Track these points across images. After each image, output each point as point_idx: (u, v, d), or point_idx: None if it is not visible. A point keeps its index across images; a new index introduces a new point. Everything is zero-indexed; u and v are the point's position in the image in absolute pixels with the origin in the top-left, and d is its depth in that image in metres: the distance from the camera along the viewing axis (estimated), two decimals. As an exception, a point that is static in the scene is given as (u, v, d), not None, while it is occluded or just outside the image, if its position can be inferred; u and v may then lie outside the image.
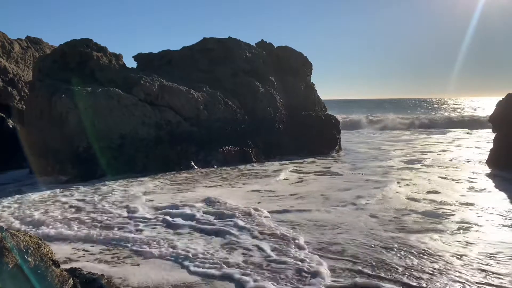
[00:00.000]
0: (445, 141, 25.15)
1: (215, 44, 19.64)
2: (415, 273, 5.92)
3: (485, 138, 25.42)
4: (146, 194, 11.40)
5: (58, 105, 14.20)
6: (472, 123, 36.22)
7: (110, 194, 11.38)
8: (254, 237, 7.62)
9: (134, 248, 7.18)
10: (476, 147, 21.40)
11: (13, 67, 19.33)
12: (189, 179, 13.54)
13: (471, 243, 7.12)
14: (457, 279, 5.73)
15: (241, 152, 16.94)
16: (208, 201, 10.34)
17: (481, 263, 6.25)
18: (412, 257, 6.51)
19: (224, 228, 8.11)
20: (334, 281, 5.74)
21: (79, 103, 14.14)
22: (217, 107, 17.30)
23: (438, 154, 18.99)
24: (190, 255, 6.70)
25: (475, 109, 71.87)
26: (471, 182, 12.46)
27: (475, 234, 7.64)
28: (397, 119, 40.15)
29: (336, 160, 17.86)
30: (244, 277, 5.82)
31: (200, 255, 6.70)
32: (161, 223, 8.60)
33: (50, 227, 8.36)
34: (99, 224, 8.59)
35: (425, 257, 6.53)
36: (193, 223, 8.55)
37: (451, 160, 16.94)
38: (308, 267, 6.16)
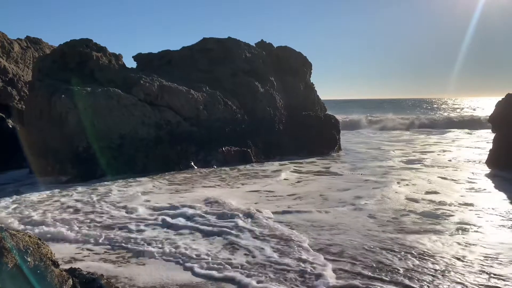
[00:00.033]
0: (444, 141, 25.16)
1: (215, 44, 19.65)
2: (414, 275, 5.92)
3: (485, 138, 25.45)
4: (146, 194, 11.41)
5: (57, 105, 14.20)
6: (472, 123, 36.23)
7: (110, 194, 11.39)
8: (256, 237, 7.62)
9: (137, 248, 7.18)
10: (476, 147, 21.42)
11: (13, 67, 19.33)
12: (189, 179, 13.54)
13: (471, 244, 7.10)
14: (459, 281, 5.68)
15: (241, 152, 16.94)
16: (208, 201, 10.35)
17: (483, 265, 6.20)
18: (411, 259, 6.50)
19: (225, 228, 8.10)
20: (337, 283, 5.72)
21: (78, 103, 14.15)
22: (217, 107, 17.31)
23: (438, 154, 19.01)
24: (194, 256, 6.71)
25: (474, 109, 71.90)
26: (470, 182, 12.46)
27: (475, 235, 7.62)
28: (397, 119, 40.17)
29: (335, 160, 17.87)
30: (248, 279, 5.82)
31: (203, 256, 6.70)
32: (162, 224, 8.60)
33: (51, 227, 8.36)
34: (99, 224, 8.60)
35: (425, 258, 6.52)
36: (194, 223, 8.55)
37: (450, 160, 16.94)
38: (312, 268, 6.16)
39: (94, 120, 14.26)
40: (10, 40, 20.19)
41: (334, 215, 9.06)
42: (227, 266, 6.27)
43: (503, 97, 15.08)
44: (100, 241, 7.59)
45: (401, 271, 6.03)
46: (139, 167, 14.59)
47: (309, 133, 19.24)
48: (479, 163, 15.84)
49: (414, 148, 21.84)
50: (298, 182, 13.09)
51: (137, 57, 19.73)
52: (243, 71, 19.22)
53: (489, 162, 14.83)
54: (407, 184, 12.25)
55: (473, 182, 12.41)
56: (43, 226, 8.39)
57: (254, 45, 21.12)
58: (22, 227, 8.37)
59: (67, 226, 8.37)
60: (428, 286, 5.55)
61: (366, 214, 9.12)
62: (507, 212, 9.03)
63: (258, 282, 5.73)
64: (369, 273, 5.97)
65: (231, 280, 5.85)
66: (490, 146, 15.50)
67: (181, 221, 8.72)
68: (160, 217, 8.96)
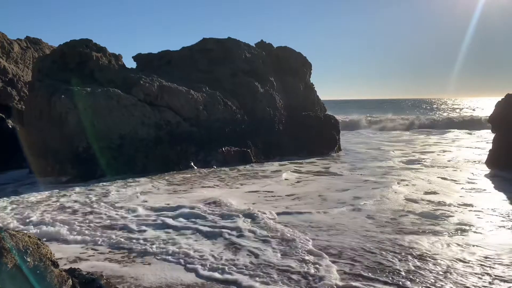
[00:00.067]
0: (444, 142, 25.16)
1: (215, 44, 19.65)
2: (414, 276, 5.92)
3: (485, 139, 25.45)
4: (146, 194, 11.41)
5: (57, 105, 14.21)
6: (471, 124, 36.22)
7: (110, 194, 11.39)
8: (257, 238, 7.62)
9: (140, 248, 7.19)
10: (475, 148, 21.42)
11: (13, 67, 19.33)
12: (189, 180, 13.54)
13: (470, 245, 7.08)
14: (461, 283, 5.66)
15: (241, 153, 16.95)
16: (207, 202, 10.36)
17: (484, 266, 6.18)
18: (411, 260, 6.50)
19: (226, 229, 8.11)
20: (339, 284, 5.71)
21: (78, 103, 14.15)
22: (217, 107, 17.31)
23: (438, 155, 19.01)
24: (197, 257, 6.73)
25: (474, 110, 71.94)
26: (470, 182, 12.46)
27: (475, 235, 7.61)
28: (397, 119, 40.18)
29: (335, 160, 17.87)
30: (252, 280, 5.82)
31: (206, 257, 6.72)
32: (162, 224, 8.60)
33: (50, 227, 8.36)
34: (99, 224, 8.60)
35: (423, 259, 6.52)
36: (194, 224, 8.55)
37: (449, 161, 16.93)
38: (315, 269, 6.15)
39: (94, 120, 14.26)
40: (10, 41, 20.19)
41: (332, 216, 9.05)
42: (231, 267, 6.29)
43: (503, 97, 15.09)
44: (102, 241, 7.60)
45: (400, 272, 6.02)
46: (139, 167, 14.59)
47: (309, 133, 19.24)
48: (479, 163, 15.84)
49: (414, 148, 21.84)
50: (298, 182, 13.09)
51: (137, 57, 19.74)
52: (243, 72, 19.22)
53: (489, 162, 14.84)
54: (406, 185, 12.25)
55: (473, 183, 12.41)
56: (43, 226, 8.39)
57: (254, 45, 21.13)
58: (21, 227, 8.37)
59: (67, 226, 8.38)
60: None
61: (364, 214, 9.12)
62: (507, 213, 9.02)
63: (262, 283, 5.74)
64: (369, 274, 5.97)
65: (235, 281, 5.85)
66: (490, 146, 15.51)
67: (181, 221, 8.73)
68: (160, 218, 8.97)
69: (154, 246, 7.27)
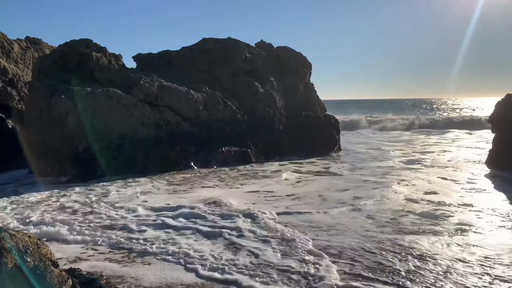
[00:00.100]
0: (444, 142, 25.17)
1: (215, 44, 19.65)
2: (414, 277, 5.92)
3: (485, 139, 25.45)
4: (146, 194, 11.41)
5: (57, 105, 14.20)
6: (471, 124, 36.23)
7: (109, 194, 11.39)
8: (257, 238, 7.62)
9: (140, 248, 7.19)
10: (475, 148, 21.42)
11: (13, 67, 19.33)
12: (188, 180, 13.54)
13: (470, 245, 7.07)
14: (461, 283, 5.65)
15: (241, 153, 16.95)
16: (207, 202, 10.36)
17: (484, 266, 6.17)
18: (411, 260, 6.50)
19: (226, 229, 8.11)
20: (339, 284, 5.71)
21: (78, 103, 14.15)
22: (217, 107, 17.31)
23: (438, 155, 19.01)
24: (197, 257, 6.73)
25: (474, 110, 71.95)
26: (470, 182, 12.46)
27: (475, 235, 7.60)
28: (397, 119, 40.18)
29: (335, 160, 17.87)
30: (252, 280, 5.82)
31: (206, 257, 6.72)
32: (162, 224, 8.60)
33: (50, 227, 8.36)
34: (99, 225, 8.60)
35: (423, 259, 6.52)
36: (194, 224, 8.55)
37: (449, 161, 16.92)
38: (315, 269, 6.16)
39: (94, 120, 14.26)
40: (10, 41, 20.19)
41: (332, 216, 9.05)
42: (232, 267, 6.29)
43: (503, 97, 15.09)
44: (102, 241, 7.60)
45: (400, 272, 6.02)
46: (139, 167, 14.59)
47: (309, 133, 19.25)
48: (479, 163, 15.84)
49: (414, 148, 21.84)
50: (298, 182, 13.08)
51: (137, 57, 19.74)
52: (243, 72, 19.22)
53: (489, 162, 14.84)
54: (406, 185, 12.25)
55: (473, 183, 12.41)
56: (43, 226, 8.39)
57: (254, 46, 21.13)
58: (21, 227, 8.37)
59: (67, 226, 8.37)
60: None
61: (364, 214, 9.11)
62: (507, 213, 9.02)
63: (262, 283, 5.74)
64: (369, 274, 5.97)
65: (235, 281, 5.85)
66: (490, 146, 15.51)
67: (181, 221, 8.73)
68: (160, 218, 8.97)
69: (154, 246, 7.27)
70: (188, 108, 16.50)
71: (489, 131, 17.97)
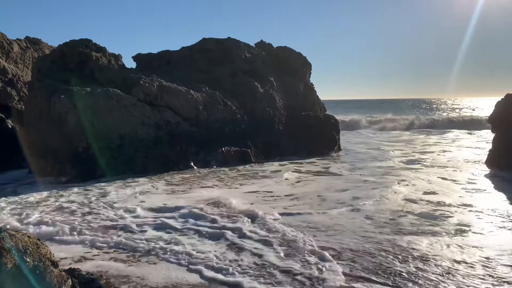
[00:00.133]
0: (444, 142, 25.16)
1: (214, 44, 19.65)
2: (414, 278, 5.91)
3: (485, 139, 25.45)
4: (146, 194, 11.40)
5: (57, 105, 14.20)
6: (471, 124, 36.23)
7: (109, 194, 11.38)
8: (259, 239, 7.60)
9: (142, 248, 7.19)
10: (475, 148, 21.42)
11: (12, 67, 19.32)
12: (188, 180, 13.53)
13: (470, 246, 7.05)
14: (462, 285, 5.63)
15: (241, 153, 16.94)
16: (207, 202, 10.35)
17: (485, 267, 6.13)
18: (410, 261, 6.48)
19: (227, 230, 8.09)
20: (343, 285, 5.69)
21: (78, 103, 14.14)
22: (217, 107, 17.31)
23: (438, 155, 19.00)
24: (201, 257, 6.72)
25: (473, 110, 71.97)
26: (470, 182, 12.45)
27: (474, 236, 7.58)
28: (397, 119, 40.18)
29: (335, 160, 17.87)
30: (256, 281, 5.81)
31: (210, 257, 6.70)
32: (163, 224, 8.59)
33: (50, 227, 8.35)
34: (99, 225, 8.59)
35: (423, 260, 6.50)
36: (194, 224, 8.53)
37: (449, 161, 16.92)
38: (318, 270, 6.14)
39: (94, 120, 14.25)
40: (10, 41, 20.17)
41: (331, 216, 9.04)
42: (236, 267, 6.28)
43: (503, 97, 15.08)
44: (103, 241, 7.59)
45: (401, 273, 6.01)
46: (139, 167, 14.59)
47: (309, 133, 19.24)
48: (479, 163, 15.84)
49: (414, 148, 21.84)
50: (298, 182, 13.08)
51: (137, 58, 19.73)
52: (242, 72, 19.22)
53: (489, 162, 14.83)
54: (406, 185, 12.24)
55: (473, 183, 12.40)
56: (42, 226, 8.38)
57: (254, 46, 21.13)
58: (21, 227, 8.36)
59: (67, 226, 8.36)
60: None
61: (363, 215, 9.09)
62: (507, 213, 9.01)
63: (266, 284, 5.72)
64: (369, 275, 5.95)
65: (239, 283, 5.82)
66: (490, 146, 15.50)
67: (181, 221, 8.72)
68: (160, 218, 8.96)
69: (157, 246, 7.26)
70: (188, 108, 16.50)
71: (489, 131, 17.97)
